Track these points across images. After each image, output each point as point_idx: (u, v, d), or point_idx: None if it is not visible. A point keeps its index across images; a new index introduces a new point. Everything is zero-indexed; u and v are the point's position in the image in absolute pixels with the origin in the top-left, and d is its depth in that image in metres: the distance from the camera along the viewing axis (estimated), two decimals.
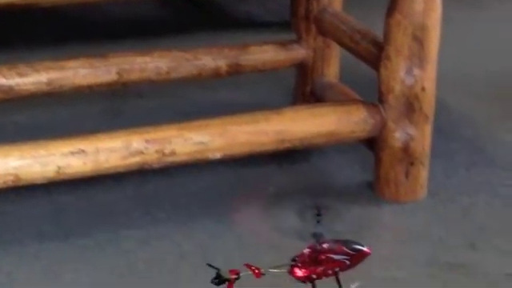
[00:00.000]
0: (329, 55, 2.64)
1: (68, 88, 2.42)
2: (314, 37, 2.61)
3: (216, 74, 2.57)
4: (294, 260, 1.51)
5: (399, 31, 2.19)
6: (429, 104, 2.26)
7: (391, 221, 2.24)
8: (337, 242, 1.55)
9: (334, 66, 2.67)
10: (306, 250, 1.52)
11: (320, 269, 1.50)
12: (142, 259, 2.06)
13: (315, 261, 1.50)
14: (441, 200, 2.32)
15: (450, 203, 2.31)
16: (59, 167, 2.02)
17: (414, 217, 2.25)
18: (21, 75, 2.36)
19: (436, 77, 2.26)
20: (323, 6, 2.56)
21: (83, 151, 2.04)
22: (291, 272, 1.50)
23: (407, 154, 2.27)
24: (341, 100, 2.47)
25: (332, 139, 2.27)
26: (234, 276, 1.45)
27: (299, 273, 1.50)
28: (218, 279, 1.45)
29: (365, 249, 1.57)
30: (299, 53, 2.63)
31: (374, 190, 2.34)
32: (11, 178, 2.00)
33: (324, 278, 1.52)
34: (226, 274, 1.46)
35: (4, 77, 2.33)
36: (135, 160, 2.08)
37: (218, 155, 2.15)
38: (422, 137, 2.27)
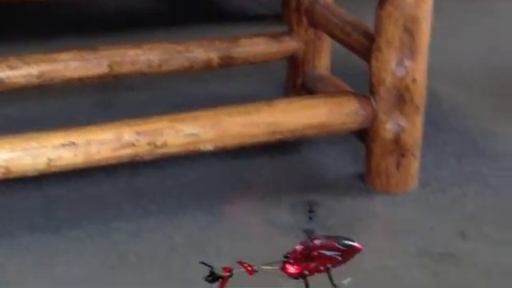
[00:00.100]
0: (320, 47, 2.65)
1: (59, 81, 2.43)
2: (305, 29, 2.61)
3: (207, 67, 2.58)
4: (286, 257, 1.51)
5: (390, 23, 2.19)
6: (420, 95, 2.27)
7: (382, 212, 2.25)
8: (329, 238, 1.56)
9: (325, 58, 2.67)
10: (298, 247, 1.52)
11: (312, 265, 1.50)
12: (133, 251, 2.06)
13: (307, 257, 1.50)
14: (432, 191, 2.33)
15: (441, 194, 2.32)
16: (50, 159, 2.02)
17: (405, 208, 2.26)
18: (11, 68, 2.36)
19: (427, 68, 2.26)
20: None
21: (74, 143, 2.03)
22: (283, 269, 1.50)
23: (398, 146, 2.28)
24: (332, 92, 2.47)
25: (323, 131, 2.28)
26: (227, 273, 1.45)
27: (291, 269, 1.50)
28: (212, 277, 1.46)
29: (356, 244, 1.57)
30: (290, 45, 2.64)
31: (365, 181, 2.35)
32: (2, 170, 1.99)
33: (316, 274, 1.52)
34: (219, 272, 1.46)
35: None
36: (126, 152, 2.08)
37: (209, 147, 2.16)
38: (413, 128, 2.28)
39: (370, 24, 2.29)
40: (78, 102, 2.74)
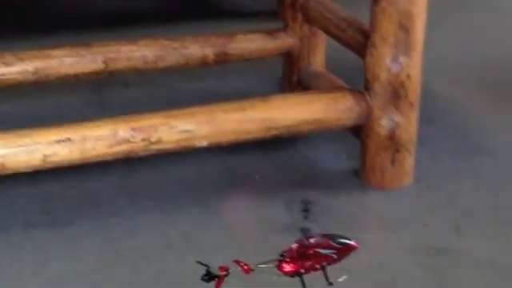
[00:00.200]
0: (315, 43, 2.65)
1: (54, 77, 2.43)
2: (301, 25, 2.62)
3: (203, 63, 2.58)
4: (282, 255, 1.51)
5: (385, 19, 2.19)
6: (415, 91, 2.27)
7: (377, 207, 2.25)
8: (324, 236, 1.56)
9: (320, 54, 2.67)
10: (294, 245, 1.52)
11: (308, 263, 1.51)
12: (129, 247, 2.06)
13: (303, 255, 1.51)
14: (426, 186, 2.33)
15: (436, 189, 2.32)
16: (45, 155, 2.02)
17: (399, 203, 2.26)
18: (7, 64, 2.36)
19: (422, 64, 2.26)
20: None
21: (69, 139, 2.04)
22: (279, 267, 1.51)
23: (393, 141, 2.28)
24: (327, 88, 2.48)
25: (318, 127, 2.28)
26: (223, 272, 1.46)
27: (287, 268, 1.51)
28: (208, 276, 1.46)
29: (351, 242, 1.58)
30: (286, 41, 2.64)
31: (360, 177, 2.35)
32: None
33: (312, 273, 1.53)
34: (215, 271, 1.46)
35: None
36: (122, 148, 2.08)
37: (204, 143, 2.16)
38: (408, 124, 2.28)
39: (365, 20, 2.29)
40: (73, 98, 2.74)
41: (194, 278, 1.92)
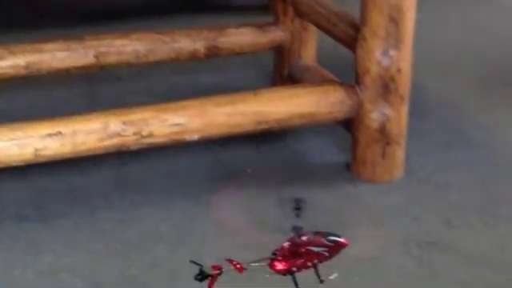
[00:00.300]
0: (306, 37, 2.66)
1: (46, 71, 2.43)
2: (292, 19, 2.62)
3: (194, 57, 2.58)
4: (274, 254, 1.52)
5: (375, 12, 2.20)
6: (405, 85, 2.28)
7: (368, 200, 2.26)
8: (315, 234, 1.57)
9: (311, 48, 2.68)
10: (286, 244, 1.53)
11: (300, 261, 1.51)
12: (120, 240, 2.07)
13: (295, 254, 1.52)
14: (417, 179, 2.34)
15: (426, 183, 2.33)
16: (37, 149, 2.02)
17: (390, 196, 2.27)
18: None
19: (412, 58, 2.27)
20: None
21: (60, 133, 2.04)
22: (271, 266, 1.51)
23: (383, 135, 2.29)
24: (318, 81, 2.48)
25: (309, 120, 2.28)
26: (216, 271, 1.46)
27: (279, 266, 1.51)
28: (201, 275, 1.47)
29: (342, 240, 1.59)
30: (276, 35, 2.65)
31: (350, 170, 2.36)
32: None
33: (303, 270, 1.53)
34: (208, 270, 1.47)
35: None
36: (113, 142, 2.08)
37: (195, 137, 2.16)
38: (398, 117, 2.29)
39: (355, 14, 2.30)
40: (64, 92, 2.74)
41: (184, 271, 1.94)
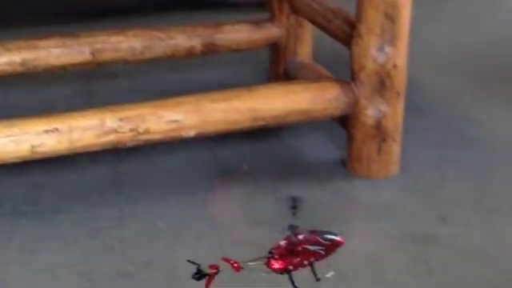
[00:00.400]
0: (302, 34, 2.66)
1: (42, 68, 2.43)
2: (287, 16, 2.63)
3: (190, 54, 2.58)
4: (270, 252, 1.52)
5: (371, 9, 2.20)
6: (401, 81, 2.28)
7: (364, 196, 2.26)
8: (311, 232, 1.57)
9: (306, 45, 2.68)
10: (283, 242, 1.54)
11: (296, 260, 1.52)
12: (116, 237, 2.07)
13: (292, 252, 1.52)
14: (412, 175, 2.35)
15: (422, 178, 2.34)
16: (33, 146, 2.03)
17: (386, 192, 2.28)
18: None
19: (408, 55, 2.27)
20: None
21: (57, 129, 2.04)
22: (268, 264, 1.52)
23: (379, 131, 2.29)
24: (314, 78, 2.49)
25: (305, 117, 2.29)
26: (213, 270, 1.47)
27: (276, 265, 1.52)
28: (199, 274, 1.47)
29: (338, 238, 1.59)
30: (272, 32, 2.65)
31: (346, 166, 2.37)
32: None
33: (300, 269, 1.54)
34: (205, 269, 1.47)
35: None
36: (109, 138, 2.09)
37: (191, 133, 2.17)
38: (394, 114, 2.30)
39: (351, 11, 2.30)
40: (60, 89, 2.74)
41: (181, 268, 1.94)
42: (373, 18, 2.20)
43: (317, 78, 2.46)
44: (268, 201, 2.21)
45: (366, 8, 2.21)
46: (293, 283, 1.51)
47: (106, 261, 1.99)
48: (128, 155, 2.35)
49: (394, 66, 2.25)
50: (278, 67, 2.70)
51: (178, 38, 2.55)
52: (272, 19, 2.65)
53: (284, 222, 1.94)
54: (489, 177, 2.36)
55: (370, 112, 2.28)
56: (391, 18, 2.20)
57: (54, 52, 2.41)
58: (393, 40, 2.22)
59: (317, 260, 1.54)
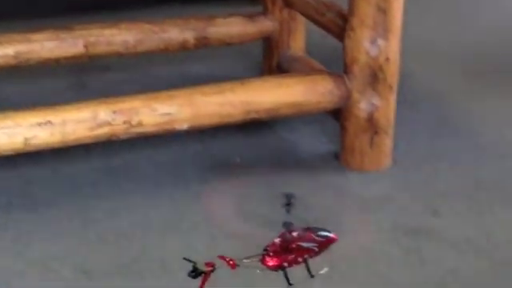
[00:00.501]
0: (294, 28, 2.67)
1: (35, 61, 2.43)
2: (280, 9, 2.63)
3: (183, 47, 2.59)
4: (265, 250, 1.53)
5: (363, 2, 2.21)
6: (393, 74, 2.29)
7: (356, 189, 2.27)
8: (305, 229, 1.58)
9: (299, 38, 2.69)
10: (277, 240, 1.54)
11: (291, 257, 1.53)
12: (110, 229, 2.08)
13: (286, 249, 1.53)
14: (405, 168, 2.36)
15: (414, 171, 2.35)
16: (26, 138, 2.03)
17: (378, 185, 2.28)
18: None
19: (400, 48, 2.28)
20: None
21: (50, 122, 2.04)
22: (263, 262, 1.53)
23: (372, 124, 2.30)
24: (307, 71, 2.49)
25: (298, 110, 2.29)
26: (209, 268, 1.47)
27: (271, 262, 1.53)
28: (195, 272, 1.47)
29: (331, 235, 1.60)
30: (265, 25, 2.65)
31: (339, 159, 2.38)
32: None
33: (294, 266, 1.55)
34: (201, 267, 1.48)
35: None
36: (103, 131, 2.09)
37: (184, 126, 2.17)
38: (387, 107, 2.30)
39: (343, 4, 2.31)
40: (54, 82, 2.74)
41: (174, 260, 1.95)
42: (365, 10, 2.21)
43: (310, 72, 2.46)
44: (261, 194, 2.22)
45: (359, 1, 2.21)
46: (287, 280, 1.52)
47: (100, 252, 2.00)
48: (121, 148, 2.36)
49: (387, 59, 2.26)
50: (270, 60, 2.70)
51: (171, 32, 2.55)
52: (265, 12, 2.66)
53: (277, 218, 1.96)
54: (481, 170, 2.37)
55: (363, 105, 2.29)
56: (383, 10, 2.21)
57: (47, 45, 2.41)
58: (385, 33, 2.23)
59: (311, 257, 1.55)
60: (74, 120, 2.06)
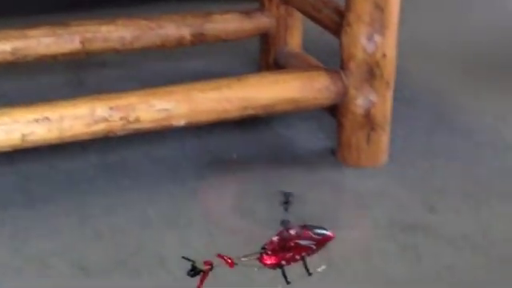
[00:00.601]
0: (292, 24, 2.67)
1: (32, 58, 2.43)
2: (277, 5, 2.63)
3: (180, 44, 2.59)
4: (263, 248, 1.54)
5: None
6: (390, 71, 2.29)
7: (353, 185, 2.27)
8: (302, 227, 1.59)
9: (296, 35, 2.69)
10: (275, 238, 1.55)
11: (289, 255, 1.53)
12: (107, 225, 2.08)
13: (284, 248, 1.53)
14: (401, 164, 2.36)
15: (410, 167, 2.35)
16: (24, 135, 2.03)
17: (374, 181, 2.29)
18: None
19: (397, 44, 2.28)
20: None
21: (47, 118, 2.04)
22: (261, 260, 1.53)
23: (368, 120, 2.31)
24: (304, 67, 2.50)
25: (295, 106, 2.30)
26: (208, 267, 1.48)
27: (269, 260, 1.53)
28: (194, 271, 1.48)
29: (329, 233, 1.60)
30: (262, 21, 2.65)
31: (336, 155, 2.38)
32: None
33: (292, 264, 1.55)
34: (200, 266, 1.48)
35: None
36: (100, 127, 2.09)
37: (182, 122, 2.17)
38: (383, 103, 2.31)
39: (340, 0, 2.31)
40: (51, 78, 2.74)
41: (172, 256, 1.96)
42: (362, 6, 2.21)
43: (306, 68, 2.47)
44: (258, 190, 2.22)
45: None
46: (285, 278, 1.52)
47: (97, 248, 2.00)
48: (118, 144, 2.36)
49: (383, 56, 2.26)
50: (267, 57, 2.70)
51: (168, 28, 2.55)
52: (262, 9, 2.66)
53: (274, 211, 1.96)
54: (477, 166, 2.37)
55: (360, 101, 2.29)
56: (380, 6, 2.21)
57: (44, 41, 2.41)
58: (382, 29, 2.23)
59: (308, 255, 1.55)
60: (71, 116, 2.06)
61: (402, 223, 2.11)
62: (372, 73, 2.27)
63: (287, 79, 2.29)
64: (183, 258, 1.47)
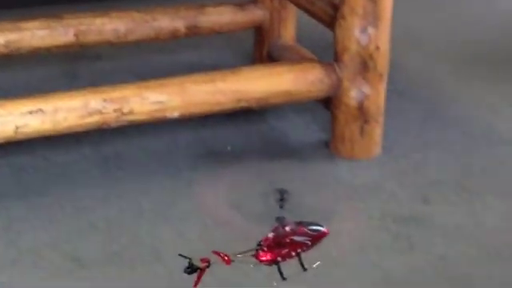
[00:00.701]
0: (285, 17, 2.67)
1: (26, 50, 2.43)
2: None
3: (174, 36, 2.59)
4: (259, 244, 1.54)
5: None
6: (383, 63, 2.29)
7: (347, 177, 2.28)
8: (298, 223, 1.59)
9: (290, 27, 2.69)
10: (271, 234, 1.55)
11: (284, 251, 1.54)
12: (101, 217, 2.08)
13: (279, 244, 1.54)
14: (394, 156, 2.37)
15: (404, 159, 2.36)
16: (17, 127, 2.03)
17: (368, 173, 2.30)
18: None
19: (391, 37, 2.29)
20: None
21: (41, 110, 2.05)
22: (257, 256, 1.54)
23: (362, 113, 2.31)
24: (297, 60, 2.50)
25: (288, 98, 2.30)
26: (205, 264, 1.48)
27: (265, 257, 1.54)
28: (190, 268, 1.48)
29: (323, 229, 1.61)
30: (256, 14, 2.65)
31: (330, 147, 2.38)
32: None
33: (287, 260, 1.56)
34: (197, 263, 1.48)
35: None
36: (93, 119, 2.09)
37: (175, 114, 2.18)
38: (377, 95, 2.31)
39: None
40: (45, 70, 2.74)
41: (166, 248, 1.96)
42: None
43: (300, 60, 2.47)
44: (251, 182, 2.23)
45: None
46: (281, 274, 1.53)
47: (91, 240, 2.00)
48: (112, 136, 2.36)
49: (377, 48, 2.26)
50: (261, 49, 2.71)
51: (162, 20, 2.55)
52: (255, 1, 2.66)
53: (267, 204, 1.97)
54: (470, 158, 2.38)
55: (353, 93, 2.29)
56: None
57: (38, 34, 2.41)
58: (375, 21, 2.24)
59: (303, 251, 1.56)
60: (65, 108, 2.06)
61: (396, 214, 2.12)
62: (365, 65, 2.27)
63: (281, 72, 2.30)
64: (180, 255, 1.48)
